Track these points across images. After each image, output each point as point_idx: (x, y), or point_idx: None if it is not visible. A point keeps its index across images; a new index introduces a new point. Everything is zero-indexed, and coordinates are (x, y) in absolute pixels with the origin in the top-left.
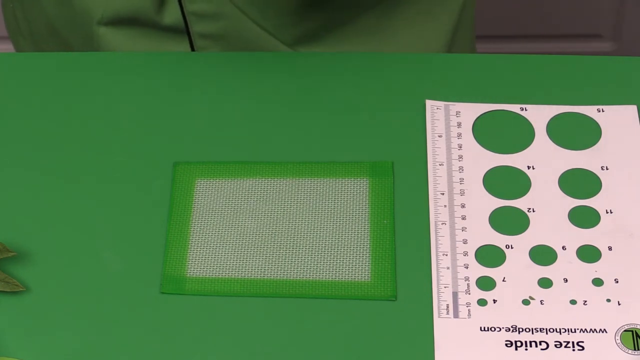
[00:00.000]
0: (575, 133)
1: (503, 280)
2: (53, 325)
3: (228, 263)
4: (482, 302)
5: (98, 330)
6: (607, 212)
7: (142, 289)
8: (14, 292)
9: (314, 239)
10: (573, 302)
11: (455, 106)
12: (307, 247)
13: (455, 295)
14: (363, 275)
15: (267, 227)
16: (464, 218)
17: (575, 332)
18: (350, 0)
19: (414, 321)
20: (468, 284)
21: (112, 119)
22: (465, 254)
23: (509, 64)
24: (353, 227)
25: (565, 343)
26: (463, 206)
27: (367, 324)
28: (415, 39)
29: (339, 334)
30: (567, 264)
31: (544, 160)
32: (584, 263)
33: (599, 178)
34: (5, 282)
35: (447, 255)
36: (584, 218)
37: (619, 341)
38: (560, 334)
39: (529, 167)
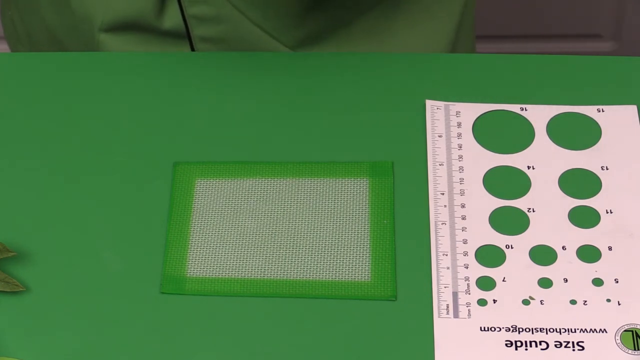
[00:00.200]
0: (575, 133)
1: (503, 280)
2: (53, 325)
3: (228, 263)
4: (482, 302)
5: (98, 330)
6: (607, 212)
7: (142, 289)
8: (14, 292)
9: (314, 239)
10: (573, 302)
11: (455, 106)
12: (307, 247)
13: (455, 295)
14: (363, 275)
15: (267, 227)
16: (464, 218)
17: (575, 332)
18: (351, 2)
19: (414, 321)
20: (468, 284)
21: (112, 119)
22: (465, 254)
23: (509, 64)
24: (353, 227)
25: (565, 343)
26: (463, 206)
27: (367, 324)
28: (417, 40)
29: (339, 334)
30: (567, 264)
31: (544, 160)
32: (584, 263)
33: (599, 178)
34: (5, 282)
35: (447, 255)
36: (584, 218)
37: (619, 341)
38: (560, 334)
39: (529, 167)
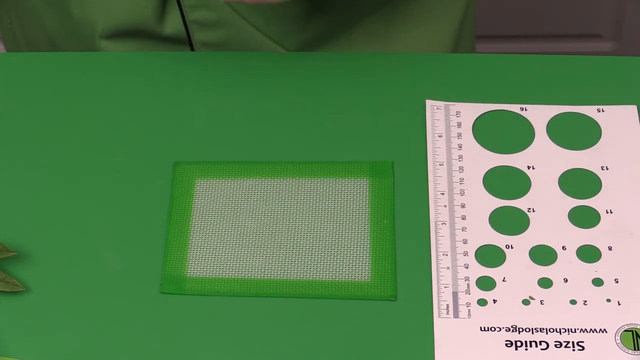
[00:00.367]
0: (575, 133)
1: (503, 280)
2: (53, 325)
3: (228, 263)
4: (482, 302)
5: (98, 330)
6: (607, 212)
7: (142, 289)
8: (14, 292)
9: (314, 239)
10: (573, 302)
11: (455, 106)
12: (307, 247)
13: (455, 295)
14: (363, 275)
15: (267, 227)
16: (464, 218)
17: (575, 332)
18: (353, 6)
19: (414, 321)
20: (468, 284)
21: (112, 119)
22: (465, 254)
23: (509, 64)
24: (353, 227)
25: (565, 343)
26: (463, 206)
27: (367, 324)
28: (418, 44)
29: (339, 334)
30: (567, 264)
31: (544, 160)
32: (584, 263)
33: (599, 178)
34: (5, 282)
35: (447, 255)
36: (584, 218)
37: (619, 341)
38: (560, 334)
39: (529, 167)
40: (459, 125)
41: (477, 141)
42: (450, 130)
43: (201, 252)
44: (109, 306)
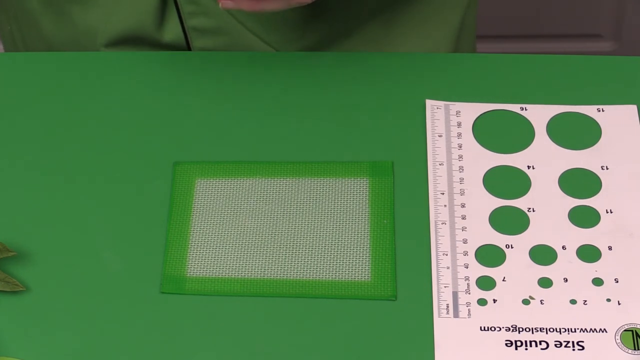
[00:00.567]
0: (575, 133)
1: (503, 280)
2: (53, 325)
3: (228, 263)
4: (482, 302)
5: (98, 330)
6: (607, 212)
7: (142, 289)
8: (14, 292)
9: (314, 238)
10: (573, 301)
11: (455, 106)
12: (307, 247)
13: (455, 295)
14: (363, 275)
15: (267, 226)
16: (464, 218)
17: (575, 331)
18: (352, 12)
19: (414, 321)
20: (468, 284)
21: (112, 118)
22: (465, 253)
23: (509, 64)
24: (353, 226)
25: (565, 343)
26: (463, 206)
27: (367, 324)
28: (418, 49)
29: (339, 334)
30: (567, 263)
31: (544, 160)
32: (584, 263)
33: (599, 178)
34: (5, 282)
35: (447, 255)
36: (584, 218)
37: (619, 341)
38: (560, 333)
39: (529, 167)
40: (459, 125)
41: (477, 141)
42: (450, 130)
43: (201, 252)
44: (109, 306)
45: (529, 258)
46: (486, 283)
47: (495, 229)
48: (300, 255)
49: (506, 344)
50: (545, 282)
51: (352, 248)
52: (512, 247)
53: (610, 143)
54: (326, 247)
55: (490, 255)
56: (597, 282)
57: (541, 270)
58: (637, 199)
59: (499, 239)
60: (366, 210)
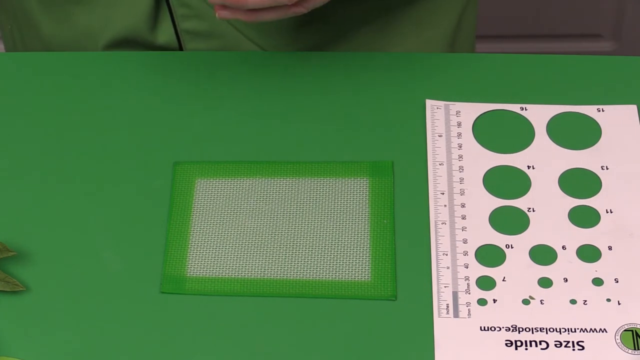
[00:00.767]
0: (575, 133)
1: (503, 280)
2: (53, 325)
3: (228, 263)
4: (482, 302)
5: (98, 330)
6: (607, 212)
7: (142, 289)
8: (14, 292)
9: (314, 238)
10: (573, 301)
11: (455, 106)
12: (307, 247)
13: (455, 295)
14: (363, 275)
15: (267, 226)
16: (464, 218)
17: (575, 331)
18: (346, 18)
19: (414, 321)
20: (468, 284)
21: (113, 118)
22: (465, 253)
23: (509, 64)
24: (353, 226)
25: (565, 343)
26: (463, 206)
27: (367, 324)
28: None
29: (339, 334)
30: (567, 263)
31: (544, 160)
32: (584, 263)
33: (599, 178)
34: (5, 282)
35: (447, 254)
36: (584, 218)
37: (619, 341)
38: (560, 333)
39: (529, 167)
40: (459, 124)
41: (477, 141)
42: (450, 129)
43: (201, 251)
44: (109, 306)
45: (529, 258)
46: (486, 283)
47: (495, 229)
48: (300, 255)
49: (506, 344)
50: (545, 282)
51: (352, 248)
52: (512, 247)
53: (610, 143)
54: (326, 247)
55: (490, 255)
56: (597, 282)
57: (541, 270)
58: (637, 199)
59: (499, 239)
60: (366, 210)
